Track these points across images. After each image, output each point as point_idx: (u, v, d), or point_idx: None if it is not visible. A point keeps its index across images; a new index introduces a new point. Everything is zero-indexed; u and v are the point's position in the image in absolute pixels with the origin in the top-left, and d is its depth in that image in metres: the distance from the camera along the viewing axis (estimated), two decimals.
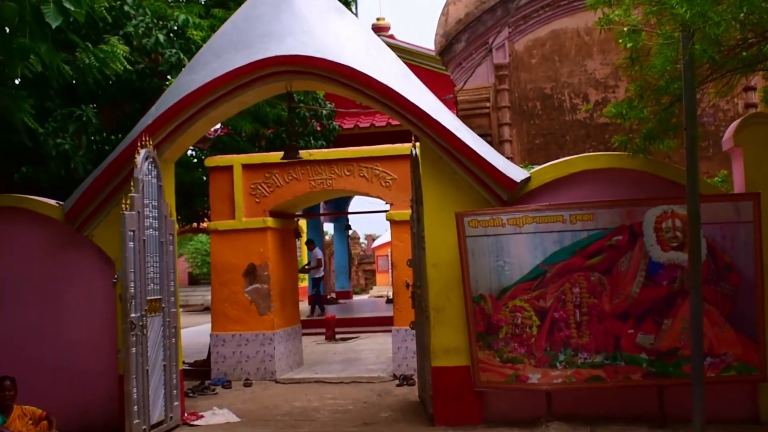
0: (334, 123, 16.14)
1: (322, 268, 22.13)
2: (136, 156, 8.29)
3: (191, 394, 11.01)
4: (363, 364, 13.17)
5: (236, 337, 12.06)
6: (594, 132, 12.31)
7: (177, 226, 9.83)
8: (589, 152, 10.18)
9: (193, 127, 9.00)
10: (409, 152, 11.48)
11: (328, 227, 37.55)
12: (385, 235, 46.97)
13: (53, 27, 6.83)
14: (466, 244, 8.19)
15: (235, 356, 12.06)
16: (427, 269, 8.57)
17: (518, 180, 8.25)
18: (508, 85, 12.57)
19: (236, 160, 12.29)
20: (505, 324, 8.07)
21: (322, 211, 25.92)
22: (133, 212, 8.11)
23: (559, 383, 7.91)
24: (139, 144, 8.40)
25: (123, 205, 8.04)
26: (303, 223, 29.64)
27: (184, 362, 13.65)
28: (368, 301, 29.85)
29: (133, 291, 8.00)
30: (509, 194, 8.30)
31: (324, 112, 15.85)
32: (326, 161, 12.00)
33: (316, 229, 28.21)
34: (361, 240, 50.72)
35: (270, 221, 12.07)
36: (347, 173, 11.93)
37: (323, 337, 18.12)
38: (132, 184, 8.22)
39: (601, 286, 7.89)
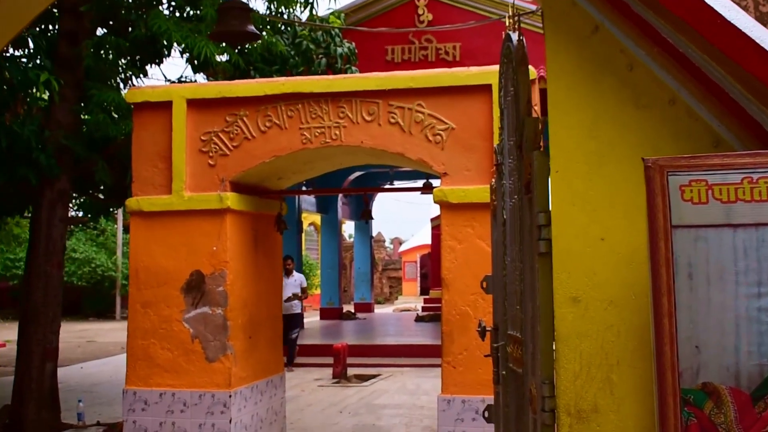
0: (355, 69, 11.03)
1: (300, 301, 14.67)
2: None
3: None
4: None
5: (166, 398, 6.96)
6: None
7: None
8: None
9: None
10: (479, 82, 6.45)
11: (349, 227, 32.62)
12: (413, 239, 42.13)
13: None
14: (672, 247, 3.02)
15: (163, 431, 6.96)
16: (553, 307, 3.40)
17: None
18: None
19: (177, 91, 7.17)
20: None
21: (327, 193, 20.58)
22: None
23: None
24: None
25: None
26: (315, 218, 24.58)
27: (98, 423, 8.67)
28: (392, 317, 24.75)
29: None
30: None
31: (339, 50, 10.79)
32: (331, 96, 6.84)
33: (332, 227, 23.06)
34: (387, 244, 45.93)
35: (231, 199, 6.96)
36: (367, 117, 6.78)
37: (330, 372, 13.07)
38: None
39: None
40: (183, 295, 6.99)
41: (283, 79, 7.00)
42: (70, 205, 13.46)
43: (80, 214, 13.57)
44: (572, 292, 3.35)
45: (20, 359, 8.44)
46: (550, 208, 3.41)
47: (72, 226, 26.32)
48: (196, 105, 7.07)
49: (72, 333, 23.81)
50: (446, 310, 6.55)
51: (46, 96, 8.58)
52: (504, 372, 4.47)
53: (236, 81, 7.34)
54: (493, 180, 4.79)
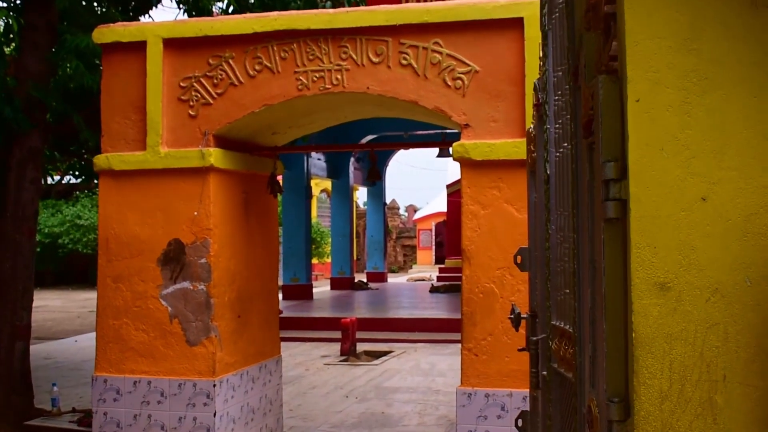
0: None
1: None
2: None
3: None
4: None
5: (141, 387, 6.01)
6: None
7: None
8: None
9: None
10: (508, 15, 5.43)
11: (363, 195, 31.65)
12: (428, 206, 41.15)
13: None
14: None
15: (138, 424, 6.02)
16: (629, 297, 2.37)
17: None
18: None
19: (152, 29, 6.12)
20: None
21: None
22: None
23: None
24: None
25: None
26: (328, 185, 23.55)
27: (74, 410, 7.77)
28: (406, 287, 23.78)
29: None
30: None
31: None
32: (331, 33, 5.79)
33: (343, 193, 22.04)
34: (401, 211, 44.95)
35: (215, 155, 5.95)
36: (374, 59, 5.72)
37: (338, 348, 12.15)
38: None
39: None
40: (160, 268, 6.01)
41: (275, 13, 5.94)
42: (62, 169, 12.51)
43: (72, 180, 12.67)
44: (659, 275, 2.31)
45: None
46: (628, 155, 2.37)
47: (77, 192, 25.39)
48: (174, 45, 6.03)
49: (75, 303, 23.04)
50: (467, 287, 5.54)
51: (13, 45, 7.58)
52: (545, 373, 3.47)
53: (220, 17, 6.31)
54: (532, 125, 3.75)
